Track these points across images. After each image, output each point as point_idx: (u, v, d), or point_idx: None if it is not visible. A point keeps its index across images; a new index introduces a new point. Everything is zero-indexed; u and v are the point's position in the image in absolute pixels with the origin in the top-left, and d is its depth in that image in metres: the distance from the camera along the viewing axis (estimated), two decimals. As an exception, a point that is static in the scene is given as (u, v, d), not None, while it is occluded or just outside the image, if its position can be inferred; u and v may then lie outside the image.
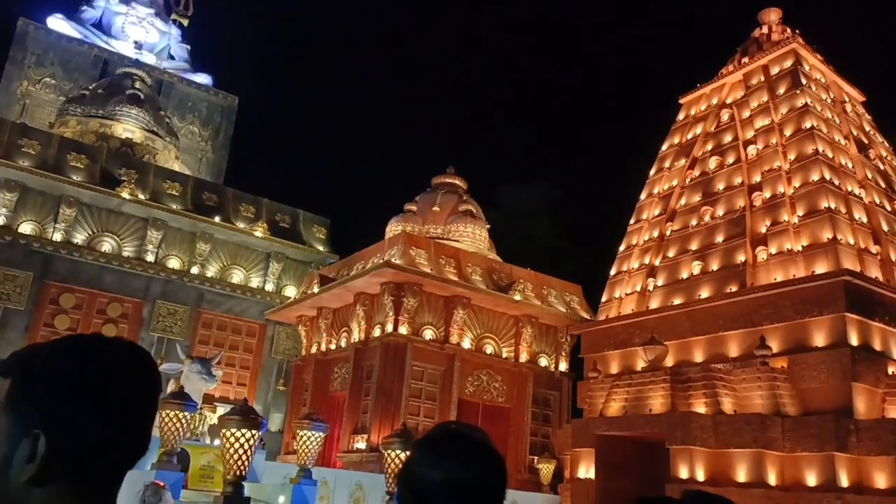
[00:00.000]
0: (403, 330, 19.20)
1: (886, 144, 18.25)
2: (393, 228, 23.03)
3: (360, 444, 18.70)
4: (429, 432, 1.41)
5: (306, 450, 9.20)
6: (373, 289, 20.07)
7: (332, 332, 22.08)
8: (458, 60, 60.04)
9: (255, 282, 25.87)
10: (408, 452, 7.71)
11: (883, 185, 16.44)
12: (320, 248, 27.56)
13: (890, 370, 12.93)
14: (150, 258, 23.97)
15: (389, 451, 7.66)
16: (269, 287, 25.95)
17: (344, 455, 18.83)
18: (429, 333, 19.76)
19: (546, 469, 17.32)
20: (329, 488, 12.68)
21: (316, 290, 22.15)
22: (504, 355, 20.91)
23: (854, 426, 11.86)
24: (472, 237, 22.90)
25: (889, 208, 15.98)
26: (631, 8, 55.26)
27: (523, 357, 21.04)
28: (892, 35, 33.41)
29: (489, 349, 20.76)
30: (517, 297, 20.85)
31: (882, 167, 17.04)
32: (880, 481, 11.31)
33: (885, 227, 15.30)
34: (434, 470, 1.30)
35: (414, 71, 61.70)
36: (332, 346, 21.80)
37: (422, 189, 25.18)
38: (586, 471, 14.35)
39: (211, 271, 25.08)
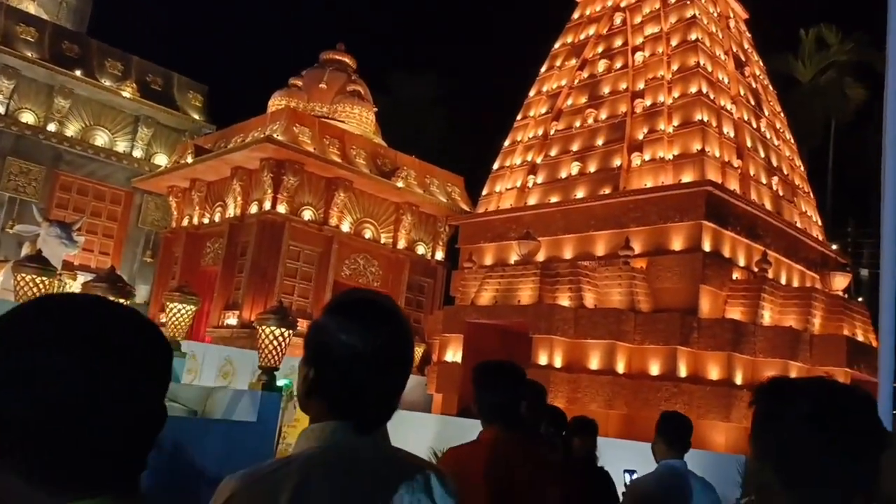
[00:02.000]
0: (282, 209, 18.78)
1: (761, 64, 19.17)
2: (276, 103, 22.02)
3: (232, 321, 18.55)
4: (338, 299, 1.39)
5: (176, 323, 8.96)
6: (252, 164, 19.34)
7: (205, 205, 21.26)
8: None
9: (121, 146, 24.16)
10: (283, 329, 7.70)
11: (752, 103, 17.38)
12: (196, 116, 25.97)
13: (734, 275, 14.18)
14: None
15: (264, 328, 7.61)
16: (138, 153, 24.35)
17: (214, 330, 18.63)
18: (308, 214, 19.46)
19: (415, 352, 17.96)
20: (198, 362, 12.58)
21: (190, 160, 21.06)
22: (382, 241, 21.05)
23: (697, 324, 13.03)
24: (359, 119, 22.35)
25: (755, 125, 16.98)
26: None
27: (401, 244, 21.29)
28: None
29: (368, 234, 20.81)
30: (400, 184, 20.81)
31: (754, 85, 17.96)
32: (713, 373, 12.62)
33: (748, 143, 16.31)
34: (349, 335, 1.29)
35: (306, -67, 57.41)
36: (206, 220, 21.06)
37: (308, 65, 24.06)
38: (453, 355, 15.02)
39: (71, 130, 23.13)
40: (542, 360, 13.32)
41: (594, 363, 13.25)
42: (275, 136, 18.57)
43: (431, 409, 14.74)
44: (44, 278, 7.73)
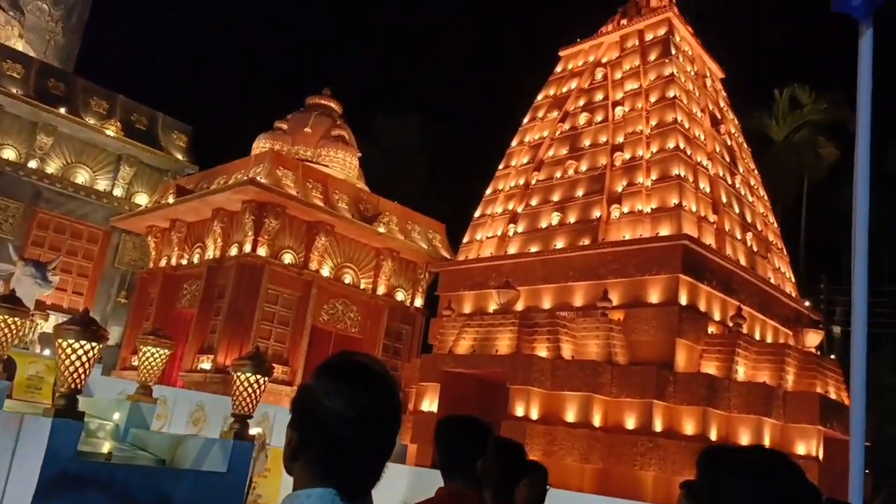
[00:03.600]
0: (262, 251, 18.73)
1: (736, 122, 19.68)
2: (260, 145, 22.15)
3: (206, 365, 18.28)
4: (327, 362, 1.39)
5: (148, 367, 8.82)
6: (233, 206, 19.33)
7: (184, 246, 21.14)
8: (345, -23, 57.50)
9: (101, 184, 24.06)
10: (258, 376, 7.61)
11: (727, 160, 17.78)
12: (179, 156, 26.01)
13: (710, 329, 14.29)
14: (-20, 146, 21.61)
15: (239, 374, 7.51)
16: (118, 192, 24.26)
17: (186, 374, 18.34)
18: (288, 257, 19.42)
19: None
20: (168, 407, 12.32)
21: (171, 200, 21.02)
22: (362, 286, 21.00)
23: (673, 377, 13.06)
24: (343, 164, 22.51)
25: (729, 181, 17.35)
26: (523, -48, 55.06)
27: (381, 290, 21.24)
28: (755, 18, 35.70)
29: (348, 279, 20.76)
30: (381, 230, 20.88)
31: (729, 142, 18.40)
32: (689, 428, 12.61)
33: (724, 199, 16.63)
34: (333, 399, 1.30)
35: (296, -19, 58.53)
36: (184, 262, 20.92)
37: (294, 109, 24.30)
38: (430, 404, 14.89)
39: (52, 167, 23.03)
40: (519, 411, 13.24)
41: (570, 416, 13.19)
42: (258, 178, 18.62)
43: (406, 460, 14.53)
44: (16, 319, 7.60)
